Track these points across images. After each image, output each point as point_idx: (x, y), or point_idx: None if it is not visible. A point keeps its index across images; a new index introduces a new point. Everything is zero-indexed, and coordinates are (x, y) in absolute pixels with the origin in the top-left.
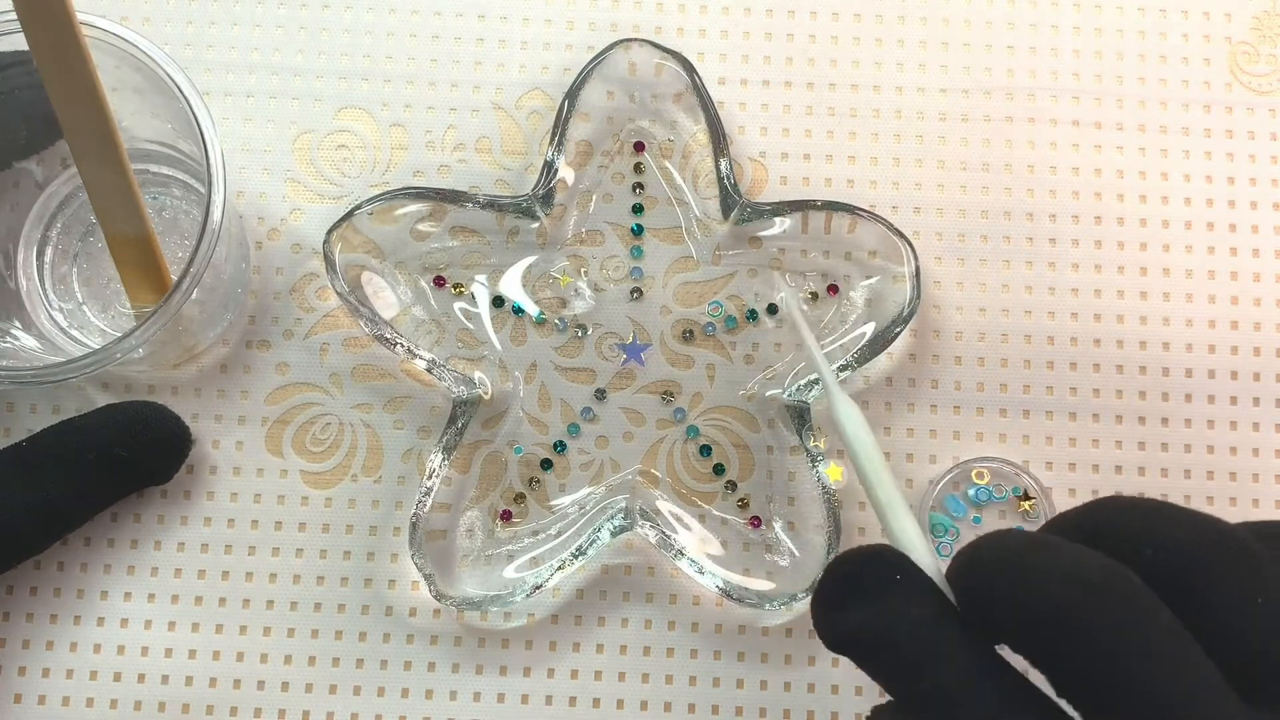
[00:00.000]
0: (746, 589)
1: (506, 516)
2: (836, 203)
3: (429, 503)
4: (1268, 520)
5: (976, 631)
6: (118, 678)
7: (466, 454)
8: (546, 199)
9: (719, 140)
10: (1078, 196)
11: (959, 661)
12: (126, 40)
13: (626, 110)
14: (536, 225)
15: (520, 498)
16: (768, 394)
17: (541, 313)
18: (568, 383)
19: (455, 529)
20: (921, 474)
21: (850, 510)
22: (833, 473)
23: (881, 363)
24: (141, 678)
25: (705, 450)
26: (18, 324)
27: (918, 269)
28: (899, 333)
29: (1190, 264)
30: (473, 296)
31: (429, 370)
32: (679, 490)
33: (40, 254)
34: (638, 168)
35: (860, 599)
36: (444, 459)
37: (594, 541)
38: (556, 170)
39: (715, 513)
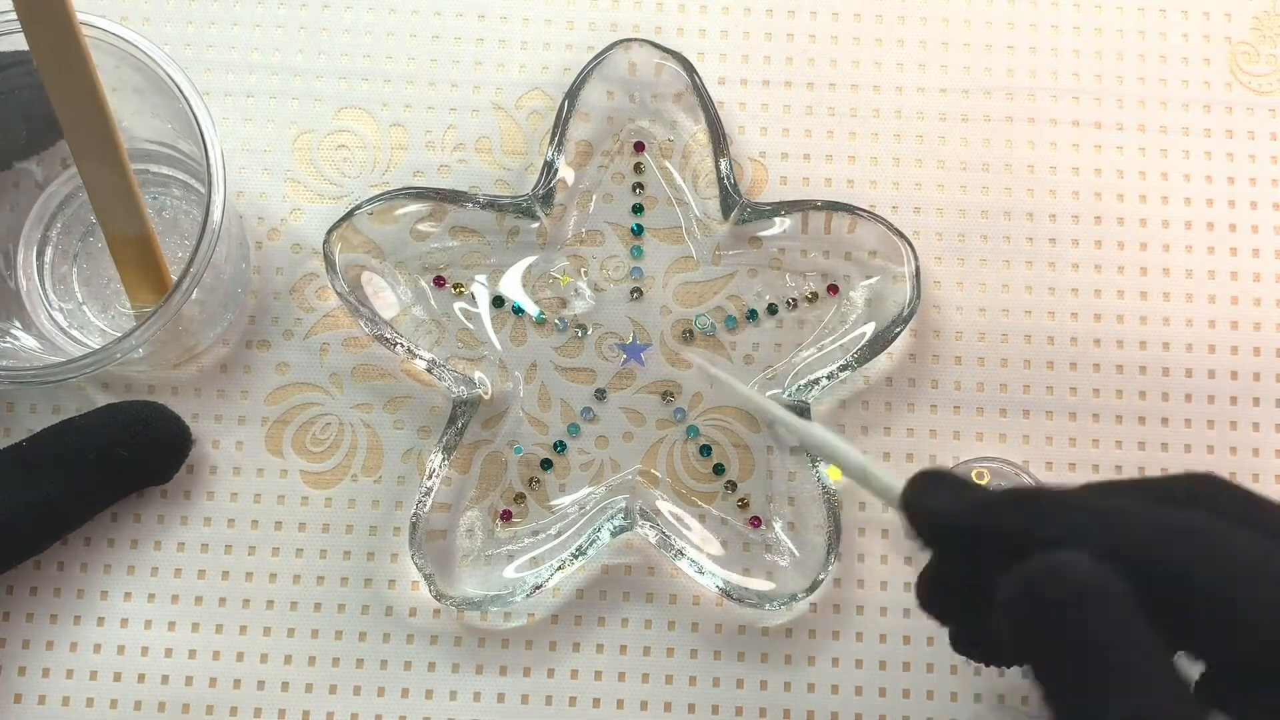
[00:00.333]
0: (746, 589)
1: (506, 516)
2: (836, 203)
3: (429, 503)
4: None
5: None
6: (118, 678)
7: (466, 454)
8: (546, 199)
9: (719, 140)
10: (1078, 196)
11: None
12: (126, 40)
13: (626, 110)
14: (536, 225)
15: (520, 498)
16: (768, 394)
17: (541, 313)
18: (568, 383)
19: (455, 529)
20: None
21: (850, 510)
22: (833, 473)
23: (881, 363)
24: (141, 678)
25: (705, 450)
26: (18, 324)
27: (918, 269)
28: (899, 333)
29: (1190, 264)
30: (473, 296)
31: (429, 370)
32: (679, 490)
33: (40, 254)
34: (638, 168)
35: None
36: (444, 459)
37: (594, 541)
38: (556, 170)
39: (715, 513)
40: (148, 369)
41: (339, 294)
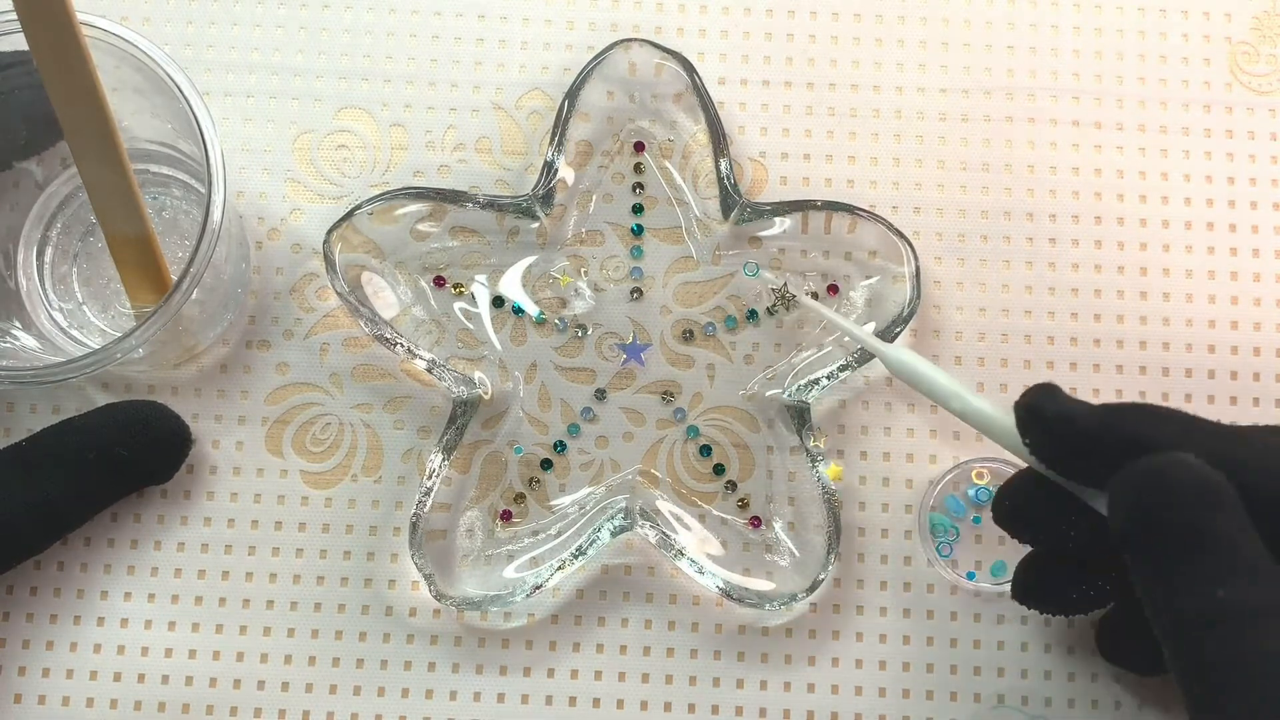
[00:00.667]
0: (746, 589)
1: (506, 516)
2: (836, 203)
3: (429, 503)
4: None
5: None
6: (118, 678)
7: (466, 454)
8: (546, 199)
9: (719, 140)
10: (1078, 196)
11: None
12: (126, 40)
13: (626, 110)
14: (536, 225)
15: (520, 498)
16: (768, 394)
17: (541, 313)
18: (568, 383)
19: (455, 529)
20: (921, 474)
21: (850, 510)
22: (833, 473)
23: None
24: (141, 678)
25: (705, 450)
26: (18, 324)
27: (918, 269)
28: (899, 333)
29: (1190, 264)
30: (473, 296)
31: (429, 370)
32: (679, 490)
33: (40, 254)
34: (638, 168)
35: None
36: (444, 459)
37: (594, 541)
38: (556, 170)
39: (715, 513)
40: (148, 369)
41: (339, 294)
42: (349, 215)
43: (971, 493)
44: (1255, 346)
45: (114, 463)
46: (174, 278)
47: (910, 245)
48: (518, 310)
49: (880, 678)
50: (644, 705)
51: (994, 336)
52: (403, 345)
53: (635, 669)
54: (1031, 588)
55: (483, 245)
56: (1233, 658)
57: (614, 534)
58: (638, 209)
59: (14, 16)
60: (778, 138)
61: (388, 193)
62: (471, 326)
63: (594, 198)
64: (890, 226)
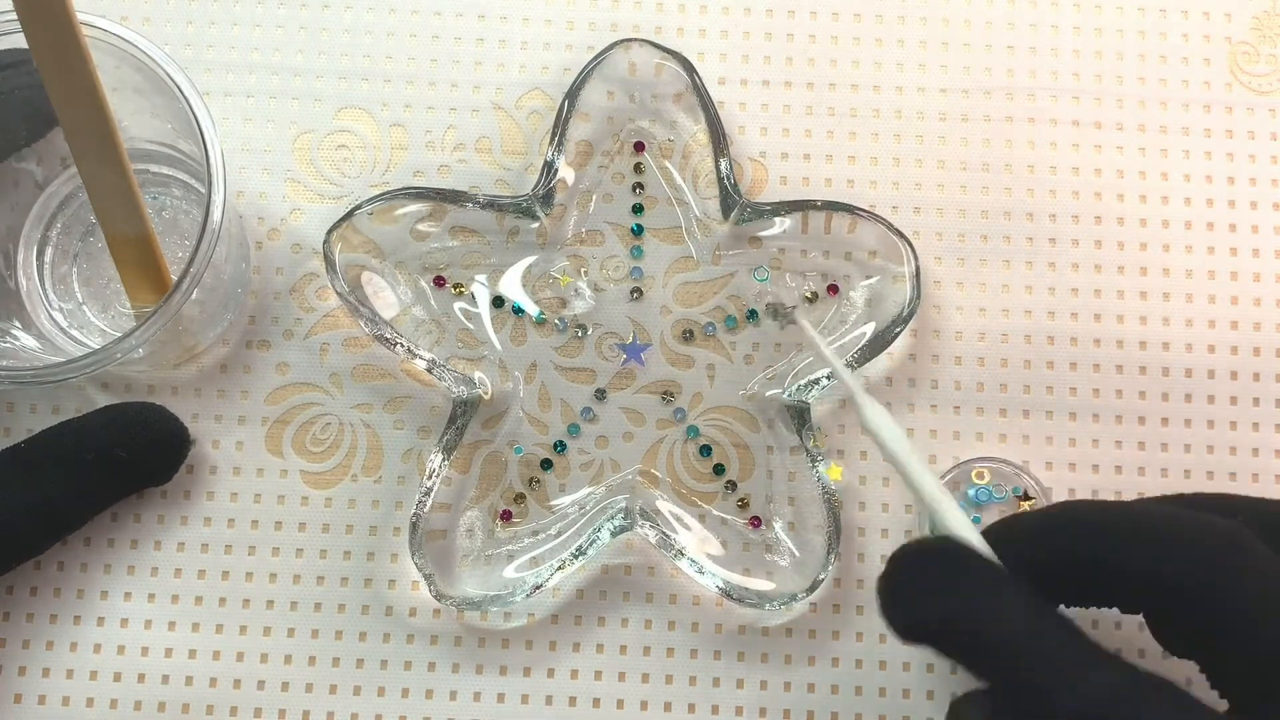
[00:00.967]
0: (746, 589)
1: (506, 516)
2: (836, 203)
3: (429, 503)
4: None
5: (1060, 594)
6: (118, 678)
7: (466, 454)
8: (546, 199)
9: (719, 140)
10: (1078, 196)
11: (1053, 646)
12: (126, 40)
13: (626, 110)
14: (536, 225)
15: (520, 498)
16: (768, 394)
17: (541, 313)
18: (568, 383)
19: (455, 529)
20: None
21: (850, 510)
22: (833, 473)
23: (881, 363)
24: (141, 678)
25: (705, 450)
26: (18, 324)
27: (918, 269)
28: (899, 333)
29: (1190, 264)
30: (473, 296)
31: (429, 370)
32: (679, 490)
33: (40, 254)
34: (638, 168)
35: (935, 587)
36: (444, 459)
37: (594, 541)
38: (556, 170)
39: (715, 513)
40: (148, 369)
41: (339, 294)
42: (349, 215)
43: (971, 493)
44: (1255, 346)
45: (113, 464)
46: (174, 278)
47: (910, 245)
48: (518, 310)
49: (880, 678)
50: (644, 705)
51: (994, 336)
52: (403, 345)
53: (635, 669)
54: None
55: (483, 245)
56: None
57: (614, 534)
58: (638, 209)
59: (14, 16)
60: (778, 138)
61: (388, 193)
62: (471, 326)
63: (594, 198)
64: (890, 226)
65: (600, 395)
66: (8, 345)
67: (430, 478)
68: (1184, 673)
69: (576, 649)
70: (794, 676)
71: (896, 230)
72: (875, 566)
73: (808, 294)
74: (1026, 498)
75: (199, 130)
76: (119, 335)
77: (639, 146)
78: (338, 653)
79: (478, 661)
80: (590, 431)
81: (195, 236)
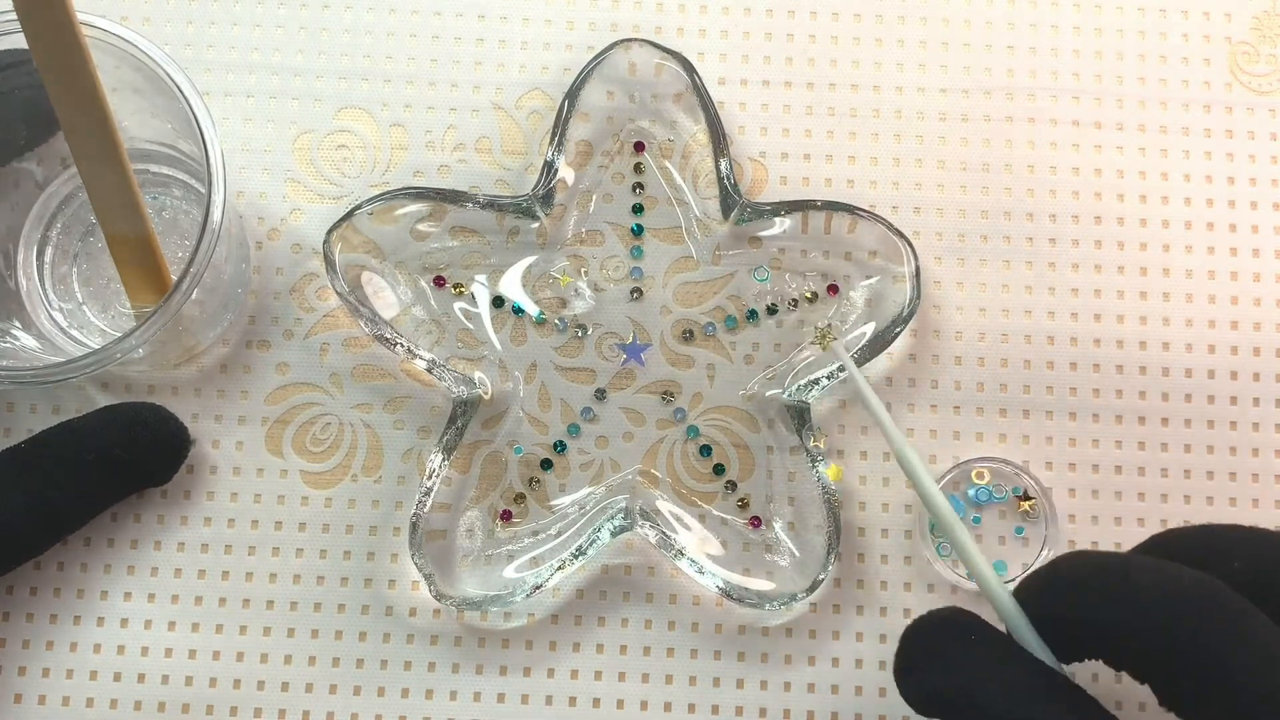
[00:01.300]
0: (746, 589)
1: (506, 516)
2: (836, 203)
3: (429, 503)
4: None
5: (1066, 652)
6: (118, 678)
7: (466, 454)
8: (546, 199)
9: (719, 140)
10: (1078, 196)
11: (1050, 709)
12: (126, 40)
13: (626, 110)
14: (536, 225)
15: (520, 498)
16: (768, 394)
17: (541, 313)
18: (568, 383)
19: (455, 529)
20: None
21: (850, 510)
22: (833, 473)
23: (881, 363)
24: (141, 678)
25: (705, 450)
26: (18, 324)
27: (918, 269)
28: (899, 333)
29: (1190, 264)
30: (473, 296)
31: (429, 370)
32: (679, 490)
33: (40, 254)
34: (638, 168)
35: (938, 660)
36: (444, 459)
37: (594, 541)
38: (556, 170)
39: (715, 513)
40: (148, 369)
41: (339, 294)
42: (349, 215)
43: (971, 493)
44: (1255, 346)
45: (113, 464)
46: (174, 278)
47: (910, 245)
48: (518, 310)
49: (880, 678)
50: (644, 705)
51: (994, 336)
52: (403, 345)
53: (635, 669)
54: None
55: (483, 245)
56: None
57: (614, 534)
58: (638, 209)
59: (14, 16)
60: (778, 138)
61: (388, 193)
62: (471, 326)
63: (594, 198)
64: (890, 226)
65: (600, 395)
66: (8, 345)
67: (430, 478)
68: None
69: (576, 649)
70: (794, 676)
71: (896, 230)
72: (875, 566)
73: (808, 294)
74: (1026, 498)
75: (199, 130)
76: (119, 335)
77: (639, 146)
78: (338, 653)
79: (478, 661)
80: (590, 431)
81: (195, 236)
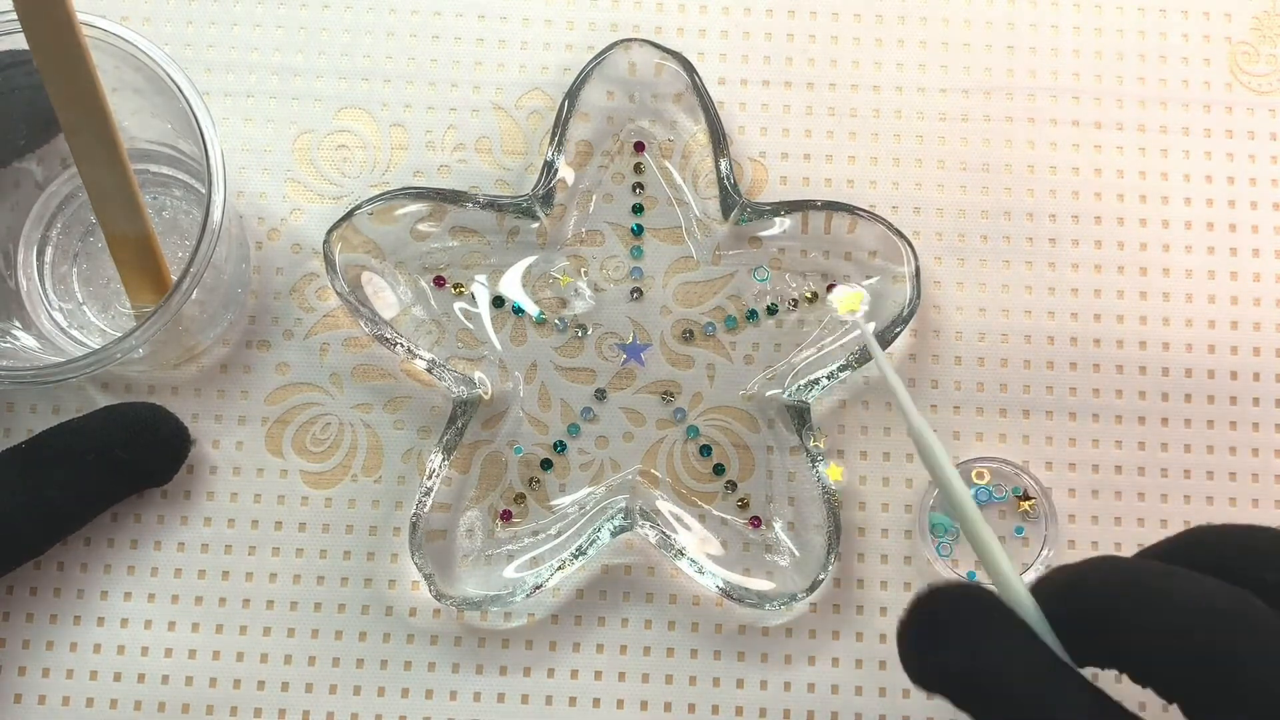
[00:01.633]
0: (746, 589)
1: (506, 516)
2: (836, 203)
3: (429, 503)
4: None
5: (1080, 655)
6: (118, 678)
7: (466, 454)
8: (546, 199)
9: (719, 140)
10: (1078, 196)
11: (1072, 700)
12: (126, 40)
13: (626, 110)
14: (536, 225)
15: (520, 498)
16: (768, 394)
17: (541, 313)
18: (568, 383)
19: (455, 529)
20: (921, 474)
21: (850, 510)
22: (833, 473)
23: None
24: (141, 678)
25: (705, 450)
26: (18, 324)
27: (918, 269)
28: (899, 333)
29: (1190, 264)
30: (473, 296)
31: (429, 370)
32: (679, 490)
33: (40, 254)
34: (638, 168)
35: (956, 638)
36: (444, 459)
37: (594, 541)
38: (556, 170)
39: (715, 513)
40: (148, 369)
41: (339, 294)
42: (349, 215)
43: (971, 492)
44: (1255, 346)
45: (113, 464)
46: (174, 278)
47: (910, 245)
48: (518, 310)
49: (880, 678)
50: (644, 705)
51: (994, 336)
52: (403, 345)
53: (635, 669)
54: None
55: (483, 245)
56: None
57: (614, 534)
58: (638, 209)
59: (14, 16)
60: (778, 138)
61: (388, 193)
62: (471, 326)
63: (594, 198)
64: (890, 226)
65: (600, 395)
66: (8, 345)
67: (430, 478)
68: None
69: (576, 649)
70: (794, 676)
71: (896, 230)
72: (875, 566)
73: (808, 294)
74: (1026, 498)
75: (199, 130)
76: (119, 335)
77: (639, 146)
78: (338, 653)
79: (478, 661)
80: (590, 431)
81: (195, 236)
